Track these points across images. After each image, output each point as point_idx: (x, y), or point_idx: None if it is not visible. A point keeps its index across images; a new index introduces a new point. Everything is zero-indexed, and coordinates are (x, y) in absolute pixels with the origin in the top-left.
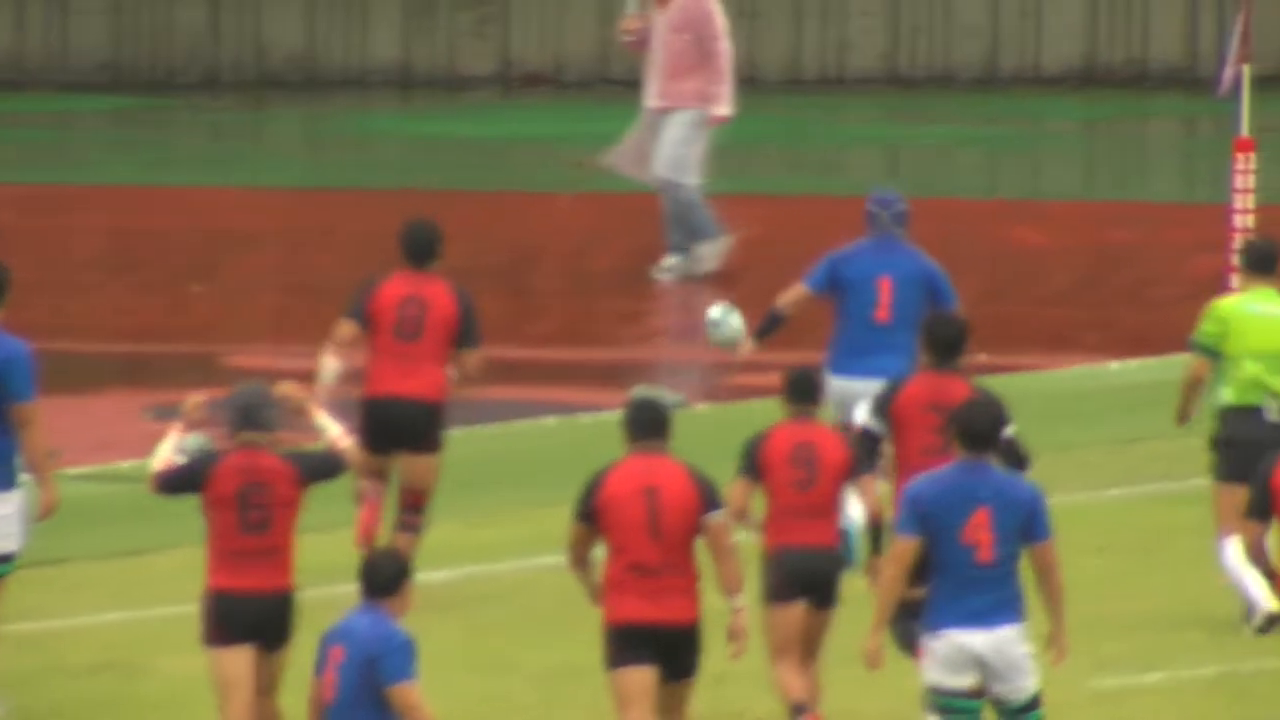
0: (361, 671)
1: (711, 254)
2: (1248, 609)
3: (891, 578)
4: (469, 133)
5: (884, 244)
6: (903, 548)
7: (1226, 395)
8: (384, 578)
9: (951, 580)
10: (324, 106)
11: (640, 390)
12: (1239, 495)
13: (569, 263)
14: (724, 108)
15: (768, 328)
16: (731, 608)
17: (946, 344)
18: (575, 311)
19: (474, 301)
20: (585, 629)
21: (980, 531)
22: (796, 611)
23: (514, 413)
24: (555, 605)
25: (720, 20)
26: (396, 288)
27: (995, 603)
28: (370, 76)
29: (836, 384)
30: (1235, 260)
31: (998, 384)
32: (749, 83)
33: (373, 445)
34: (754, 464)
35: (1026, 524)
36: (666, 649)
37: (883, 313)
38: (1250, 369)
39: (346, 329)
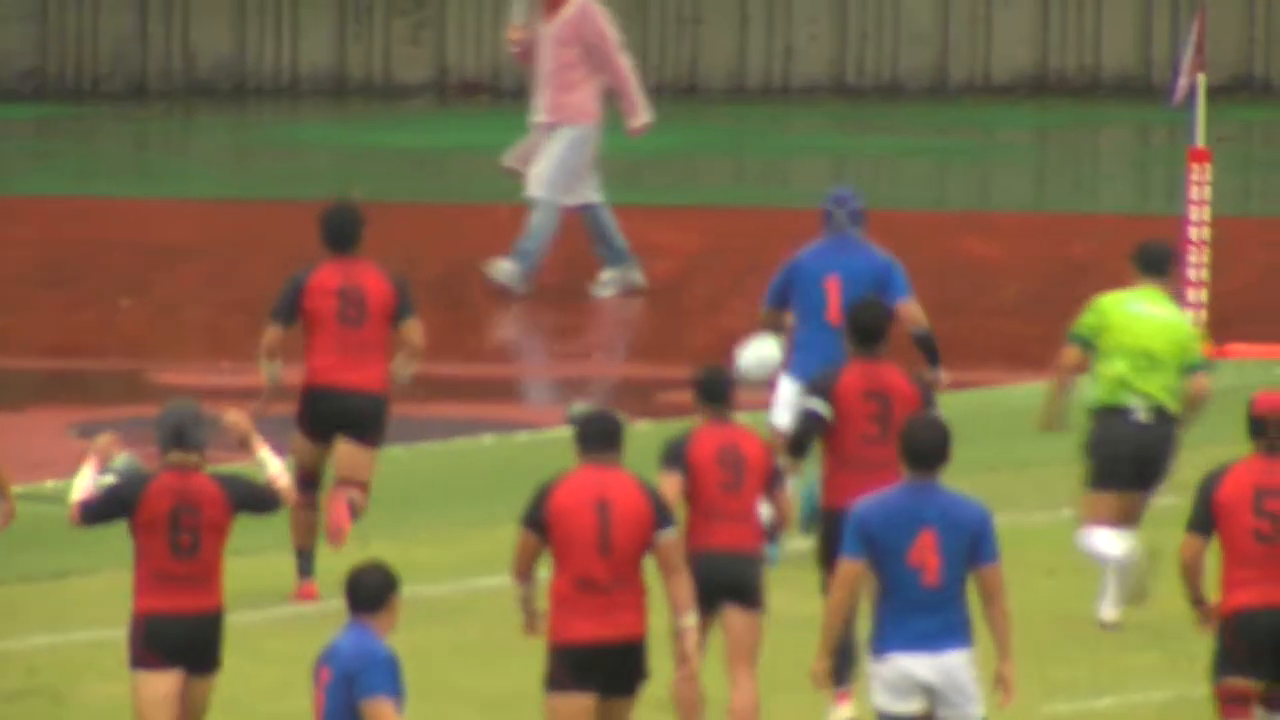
0: (343, 690)
1: (522, 277)
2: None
3: (839, 601)
4: (404, 142)
5: (838, 243)
6: (849, 570)
7: (1095, 394)
8: (367, 594)
9: (897, 603)
10: (254, 115)
11: (579, 406)
12: (1107, 503)
13: None
14: (641, 116)
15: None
16: (680, 628)
17: (866, 331)
18: (513, 326)
19: (405, 278)
20: (527, 653)
21: (926, 554)
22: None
23: (451, 430)
24: (497, 629)
25: (612, 32)
26: (328, 277)
27: (942, 626)
28: (302, 84)
29: (792, 389)
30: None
31: (951, 400)
32: (691, 91)
33: (314, 434)
34: (682, 463)
35: (973, 546)
36: (612, 666)
37: (833, 314)
38: (1120, 367)
39: (273, 334)
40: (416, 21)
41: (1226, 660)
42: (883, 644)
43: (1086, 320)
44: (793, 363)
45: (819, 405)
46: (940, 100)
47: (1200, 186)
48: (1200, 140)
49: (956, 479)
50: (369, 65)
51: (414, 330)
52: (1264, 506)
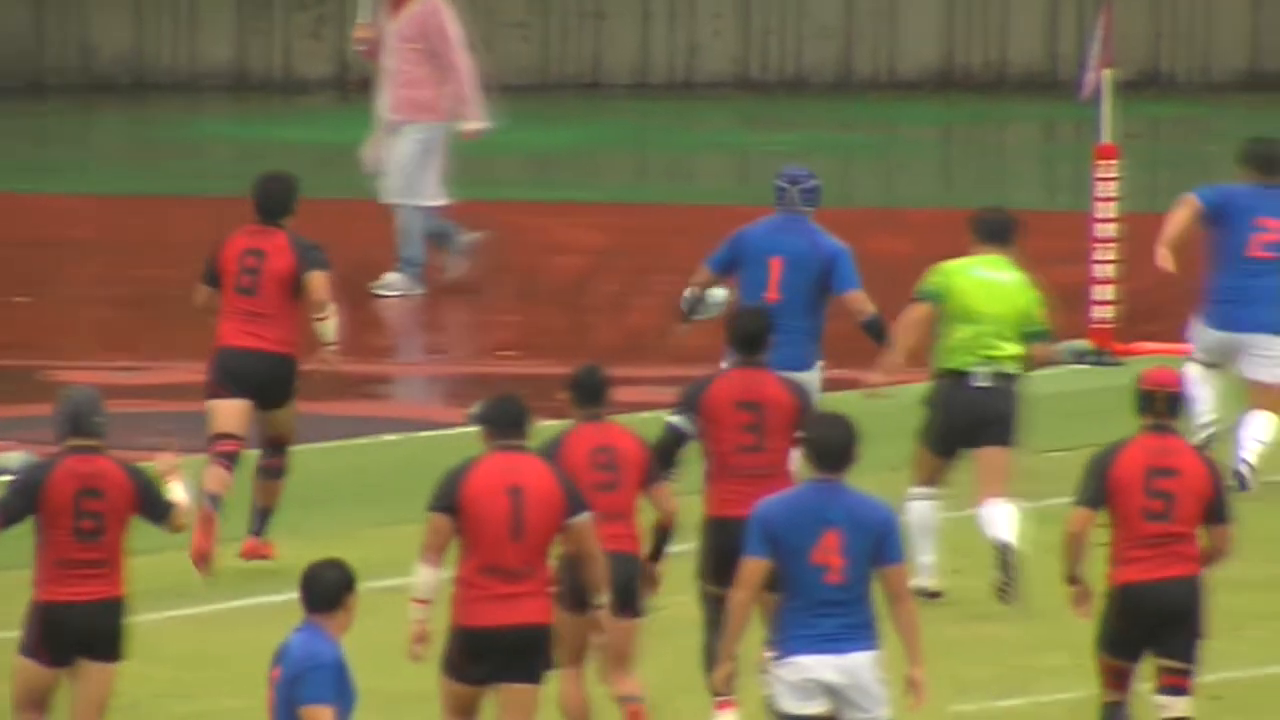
0: (287, 690)
1: (457, 263)
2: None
3: (740, 602)
4: (305, 138)
5: (786, 222)
6: (751, 569)
7: (939, 359)
8: (321, 592)
9: (801, 604)
10: (154, 110)
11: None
12: (934, 465)
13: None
14: (475, 121)
15: (691, 309)
16: (594, 604)
17: (748, 338)
18: (415, 324)
19: (321, 251)
20: (431, 656)
21: (830, 554)
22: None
23: (353, 429)
24: (399, 629)
25: (455, 30)
26: (239, 242)
27: (846, 627)
28: (202, 79)
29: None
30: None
31: (857, 399)
32: (594, 87)
33: (222, 391)
34: (554, 464)
35: (878, 546)
36: (517, 652)
37: (772, 293)
38: (963, 333)
39: (201, 293)
40: (317, 16)
41: (1112, 635)
42: (786, 646)
43: (932, 280)
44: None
45: (681, 420)
46: (845, 96)
47: (1107, 183)
48: (1107, 136)
49: (861, 479)
50: (269, 60)
51: (314, 284)
52: (1155, 486)
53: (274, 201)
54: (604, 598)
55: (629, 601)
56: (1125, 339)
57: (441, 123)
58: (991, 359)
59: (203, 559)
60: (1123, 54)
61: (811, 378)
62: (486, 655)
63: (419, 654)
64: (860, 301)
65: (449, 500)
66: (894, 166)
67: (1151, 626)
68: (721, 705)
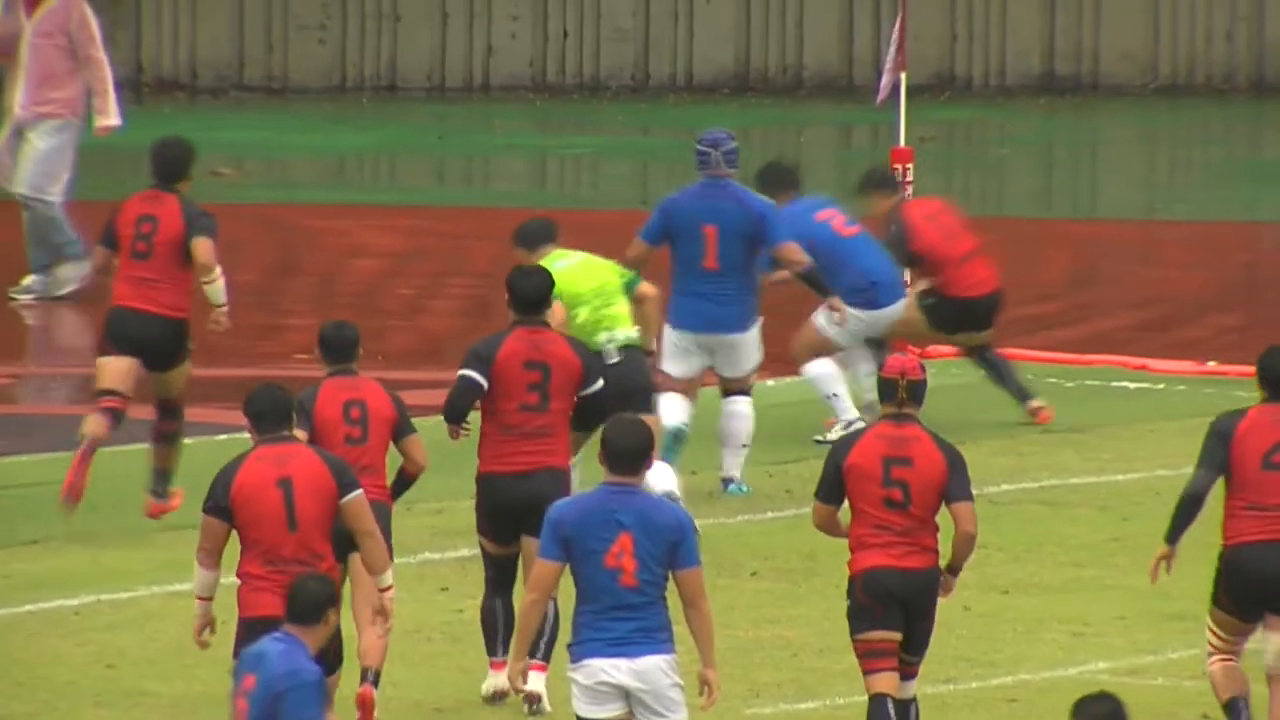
0: (268, 705)
1: (72, 275)
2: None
3: (532, 603)
4: (99, 140)
5: (713, 187)
6: (543, 571)
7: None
8: (305, 605)
9: (594, 607)
10: None
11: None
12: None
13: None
14: (112, 117)
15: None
16: (379, 585)
17: (529, 298)
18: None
19: (210, 218)
20: (218, 657)
21: (623, 557)
22: None
23: (148, 432)
24: (188, 633)
25: (94, 26)
26: (134, 207)
27: (639, 631)
28: None
29: (675, 336)
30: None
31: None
32: (390, 89)
33: (112, 349)
34: (308, 418)
35: (671, 550)
36: None
37: (710, 261)
38: (584, 314)
39: (100, 255)
40: (112, 19)
41: (862, 616)
42: (581, 649)
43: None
44: (672, 309)
45: (476, 373)
46: (643, 99)
47: (903, 186)
48: (903, 140)
49: None
50: None
51: (199, 249)
52: (893, 476)
53: (169, 166)
54: (387, 579)
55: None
56: (920, 343)
57: (78, 119)
58: (613, 328)
59: (73, 493)
60: (918, 57)
61: (754, 335)
62: None
63: (205, 642)
64: (794, 252)
65: (220, 500)
66: (691, 171)
67: (896, 604)
68: (532, 668)
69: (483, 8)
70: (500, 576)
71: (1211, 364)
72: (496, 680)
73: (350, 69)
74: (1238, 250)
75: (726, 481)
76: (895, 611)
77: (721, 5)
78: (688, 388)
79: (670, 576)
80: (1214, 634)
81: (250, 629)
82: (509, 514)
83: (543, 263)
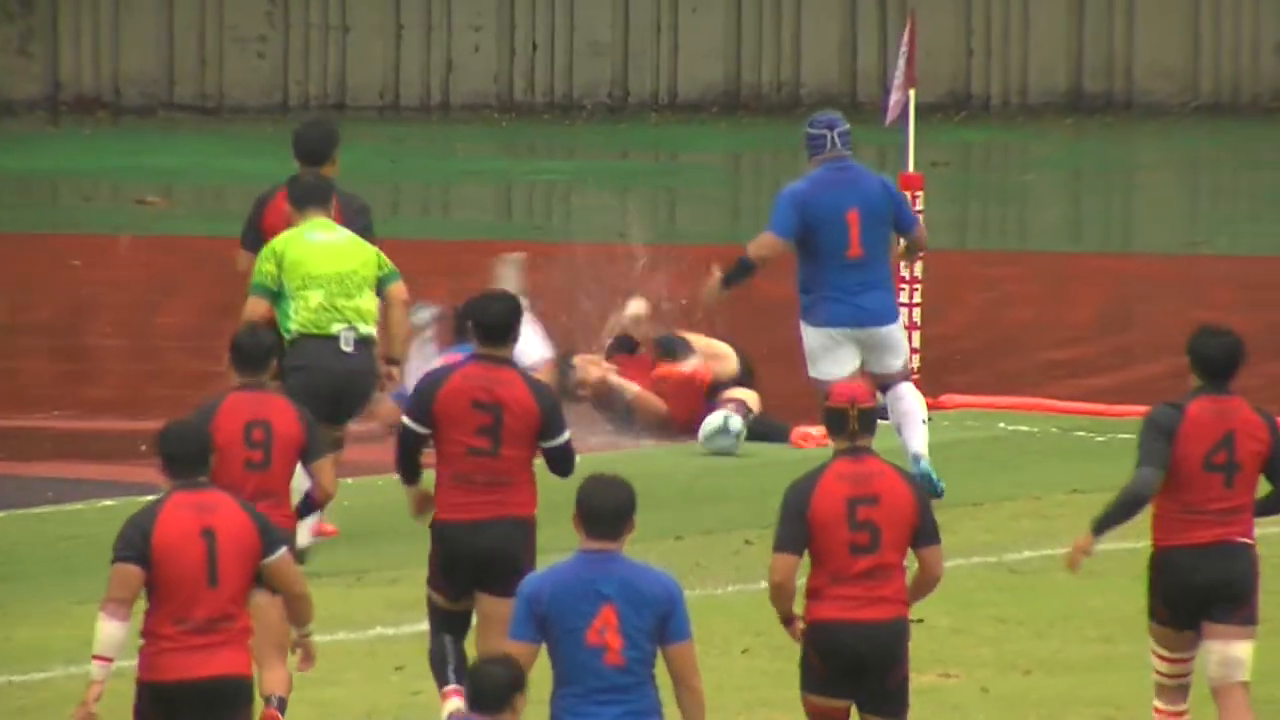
0: None
1: None
2: None
3: None
4: (11, 165)
5: (841, 171)
6: (517, 655)
7: (295, 325)
8: (490, 693)
9: (576, 690)
10: None
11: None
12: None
13: (131, 317)
14: None
15: (737, 275)
16: (300, 633)
17: (492, 327)
18: (138, 375)
19: (366, 215)
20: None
21: (607, 633)
22: None
23: (66, 493)
24: (107, 715)
25: None
26: (281, 205)
27: (627, 715)
28: None
29: (827, 335)
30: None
31: (628, 461)
32: (339, 108)
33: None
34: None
35: (661, 623)
36: (215, 705)
37: (855, 249)
38: (317, 297)
39: (242, 259)
40: (24, 31)
41: (813, 676)
42: None
43: (264, 269)
44: (814, 308)
45: (411, 420)
46: (620, 118)
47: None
48: (912, 165)
49: (638, 548)
50: None
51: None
52: (858, 517)
53: (313, 146)
54: (309, 628)
55: None
56: (932, 391)
57: None
58: (350, 319)
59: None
60: (929, 72)
61: (899, 328)
62: (181, 710)
63: (94, 715)
64: (924, 233)
65: (141, 548)
66: (676, 197)
67: (853, 666)
68: (449, 694)
69: (441, 18)
70: (449, 630)
71: None
72: (457, 703)
73: (293, 86)
74: None
75: (916, 459)
76: (846, 677)
77: (709, 16)
78: None
79: (659, 652)
80: (1157, 657)
81: (154, 695)
82: (463, 566)
83: (300, 228)
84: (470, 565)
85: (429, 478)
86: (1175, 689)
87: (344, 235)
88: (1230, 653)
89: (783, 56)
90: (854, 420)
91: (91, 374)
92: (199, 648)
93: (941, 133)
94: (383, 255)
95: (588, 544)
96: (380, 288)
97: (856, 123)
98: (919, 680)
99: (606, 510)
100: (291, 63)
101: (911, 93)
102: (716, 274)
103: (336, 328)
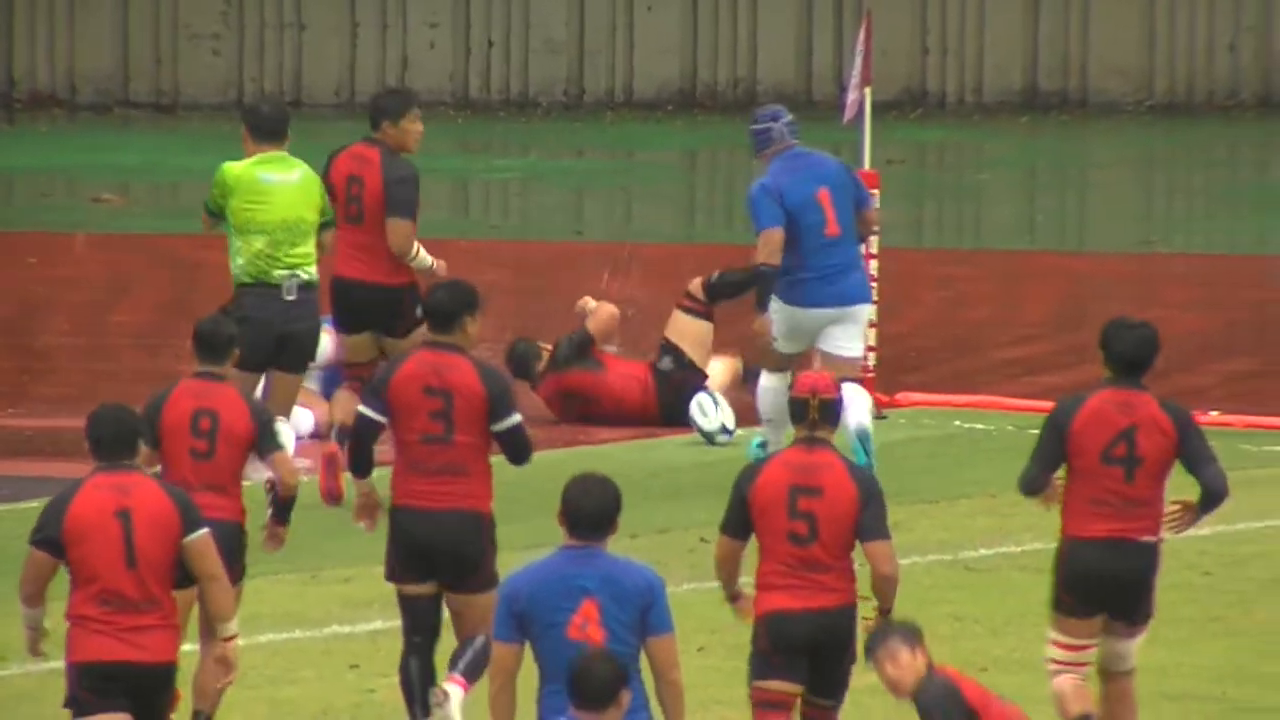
0: None
1: None
2: None
3: (499, 690)
4: None
5: (797, 158)
6: (500, 655)
7: (237, 270)
8: (594, 689)
9: (559, 687)
10: None
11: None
12: (250, 381)
13: (86, 315)
14: None
15: (765, 288)
16: (222, 635)
17: (442, 314)
18: (94, 373)
19: (410, 186)
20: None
21: (589, 627)
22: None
23: (20, 491)
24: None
25: None
26: (344, 165)
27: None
28: None
29: (803, 315)
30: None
31: (582, 459)
32: (294, 105)
33: (342, 325)
34: (152, 427)
35: (642, 615)
36: (138, 693)
37: (832, 227)
38: (258, 244)
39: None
40: None
41: (762, 663)
42: None
43: (214, 194)
44: (795, 288)
45: (368, 408)
46: (576, 116)
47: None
48: (868, 163)
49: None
50: None
51: (392, 232)
52: (799, 507)
53: (274, 126)
54: (231, 628)
55: (229, 568)
56: (888, 389)
57: None
58: (293, 267)
59: (331, 498)
60: (885, 71)
61: (868, 308)
62: (111, 691)
63: (42, 652)
64: (876, 214)
65: (51, 532)
66: (633, 195)
67: (802, 654)
68: (453, 680)
69: (397, 15)
70: (417, 626)
71: (1214, 414)
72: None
73: (249, 83)
74: (1245, 287)
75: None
76: (798, 661)
77: (665, 14)
78: (788, 365)
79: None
80: (1056, 644)
81: (83, 676)
82: (420, 553)
83: (253, 162)
84: (426, 554)
85: (380, 481)
86: (1073, 672)
87: (297, 176)
88: (1118, 647)
89: (739, 55)
90: (814, 410)
91: (47, 372)
92: (125, 629)
93: (897, 131)
94: (326, 200)
95: (570, 541)
96: (320, 232)
97: (812, 120)
98: (874, 677)
99: (591, 511)
100: (247, 60)
101: (867, 91)
102: (760, 317)
103: (279, 274)
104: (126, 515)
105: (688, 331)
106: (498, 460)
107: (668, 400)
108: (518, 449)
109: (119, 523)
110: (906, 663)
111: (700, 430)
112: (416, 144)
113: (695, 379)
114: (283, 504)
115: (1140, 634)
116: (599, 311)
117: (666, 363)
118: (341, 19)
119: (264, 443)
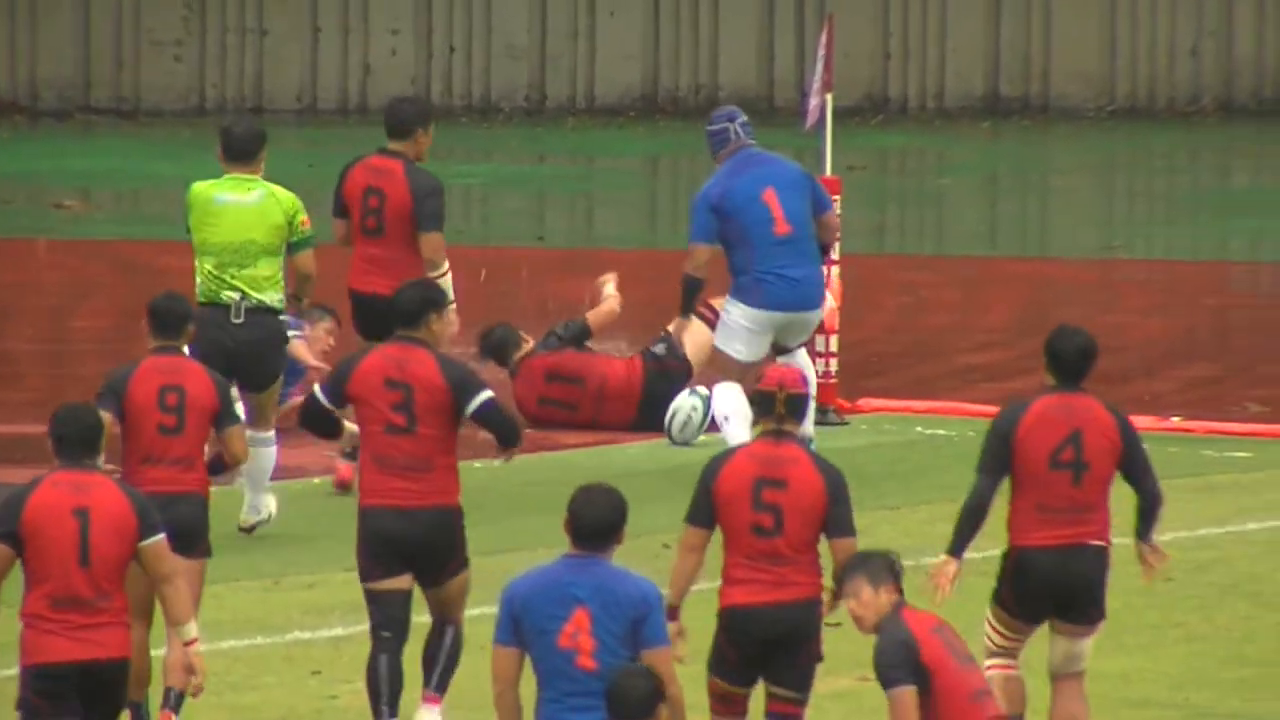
0: None
1: None
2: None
3: (499, 695)
4: None
5: (746, 159)
6: (499, 658)
7: (196, 288)
8: (631, 707)
9: (551, 694)
10: None
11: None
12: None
13: (48, 321)
14: None
15: (690, 296)
16: (182, 638)
17: (409, 310)
18: (56, 379)
19: (437, 198)
20: None
21: (579, 636)
22: None
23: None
24: None
25: None
26: (360, 176)
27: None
28: None
29: (766, 318)
30: None
31: (546, 466)
32: (256, 111)
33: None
34: (118, 401)
35: (634, 627)
36: (93, 691)
37: (782, 226)
38: (209, 265)
39: (339, 228)
40: None
41: (719, 660)
42: None
43: (186, 214)
44: (749, 290)
45: (322, 391)
46: (538, 122)
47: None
48: (829, 169)
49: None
50: None
51: (424, 244)
52: (763, 499)
53: (245, 146)
54: (191, 630)
55: (195, 542)
56: (850, 395)
57: None
58: (244, 289)
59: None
60: (846, 76)
61: (824, 310)
62: (65, 693)
63: None
64: (836, 220)
65: (9, 525)
66: (594, 201)
67: (760, 650)
68: (429, 700)
69: (359, 21)
70: (388, 621)
71: (1175, 420)
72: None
73: (210, 89)
74: (1205, 293)
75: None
76: (752, 663)
77: (626, 20)
78: (747, 374)
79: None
80: (994, 631)
81: (37, 678)
82: (391, 549)
83: (211, 184)
84: (399, 550)
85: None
86: (1008, 656)
87: (255, 197)
88: (1074, 649)
89: (700, 60)
90: (781, 404)
91: (8, 377)
92: (79, 627)
93: (858, 136)
94: (301, 219)
95: (572, 550)
96: (291, 251)
97: (774, 127)
98: (837, 683)
99: (592, 521)
100: (208, 66)
101: (829, 97)
102: (677, 320)
103: (227, 296)
104: (84, 514)
105: (693, 333)
106: (464, 465)
107: (653, 385)
108: (501, 428)
109: (76, 521)
110: (868, 600)
111: (671, 430)
112: (428, 153)
113: (683, 370)
114: (220, 469)
115: (1094, 633)
116: (603, 306)
117: (660, 349)
118: (303, 24)
119: (225, 416)
